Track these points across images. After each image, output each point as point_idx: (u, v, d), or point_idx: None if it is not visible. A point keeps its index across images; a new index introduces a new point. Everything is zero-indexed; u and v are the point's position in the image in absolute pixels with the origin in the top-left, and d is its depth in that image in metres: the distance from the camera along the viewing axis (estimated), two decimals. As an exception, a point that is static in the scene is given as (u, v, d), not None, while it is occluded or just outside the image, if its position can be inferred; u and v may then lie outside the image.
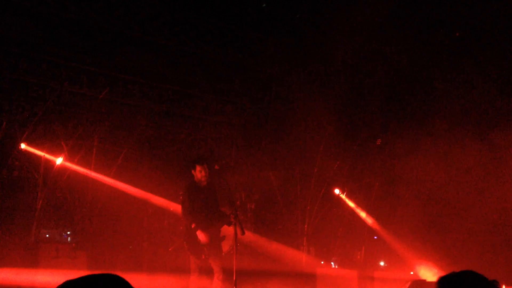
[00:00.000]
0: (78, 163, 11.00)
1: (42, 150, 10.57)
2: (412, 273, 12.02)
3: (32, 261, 9.87)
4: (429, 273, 11.40)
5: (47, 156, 10.58)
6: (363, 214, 12.96)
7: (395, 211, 13.27)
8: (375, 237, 13.36)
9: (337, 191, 12.87)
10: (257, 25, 12.08)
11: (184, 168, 12.28)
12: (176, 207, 11.16)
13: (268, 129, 13.14)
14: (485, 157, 11.74)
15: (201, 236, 7.54)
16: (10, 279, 8.88)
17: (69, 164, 10.86)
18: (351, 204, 12.95)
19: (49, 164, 10.67)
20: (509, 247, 11.68)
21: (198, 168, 7.96)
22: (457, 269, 2.37)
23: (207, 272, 7.85)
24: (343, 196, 12.90)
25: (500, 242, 11.81)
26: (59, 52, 10.61)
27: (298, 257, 12.66)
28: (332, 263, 13.21)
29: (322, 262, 13.11)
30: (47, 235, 11.28)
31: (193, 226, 7.63)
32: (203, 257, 7.66)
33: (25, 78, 10.50)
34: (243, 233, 7.22)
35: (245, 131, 13.29)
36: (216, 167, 8.05)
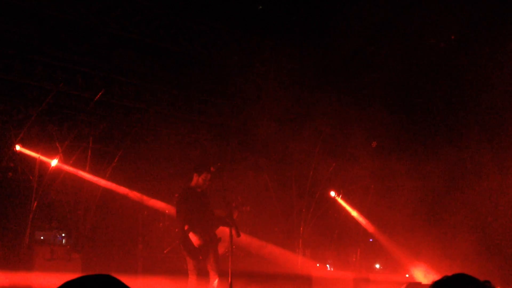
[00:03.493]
0: (73, 165, 10.97)
1: (37, 151, 10.55)
2: (407, 275, 12.04)
3: (26, 263, 9.84)
4: (425, 276, 11.42)
5: (42, 157, 10.55)
6: (358, 217, 12.97)
7: (390, 214, 13.28)
8: (371, 240, 13.38)
9: (332, 193, 12.88)
10: (253, 27, 12.09)
11: (180, 170, 12.29)
12: (171, 209, 11.16)
13: (263, 131, 13.13)
14: (482, 159, 11.77)
15: (193, 238, 7.54)
16: (4, 282, 8.83)
17: (64, 166, 10.84)
18: (346, 206, 12.96)
19: (44, 166, 10.64)
20: (504, 248, 11.71)
21: (204, 175, 7.91)
22: (452, 271, 2.38)
23: (205, 273, 7.85)
24: (338, 199, 12.90)
25: (495, 244, 11.84)
26: (54, 53, 10.58)
27: (294, 259, 12.66)
28: (327, 265, 13.22)
29: (318, 265, 13.11)
30: (42, 237, 11.26)
31: (186, 228, 7.63)
32: (200, 257, 7.66)
33: (20, 80, 10.47)
34: (238, 235, 7.22)
35: (241, 133, 13.28)
36: (212, 169, 8.02)
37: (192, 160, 12.09)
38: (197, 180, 7.96)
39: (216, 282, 7.68)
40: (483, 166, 11.88)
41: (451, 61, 11.45)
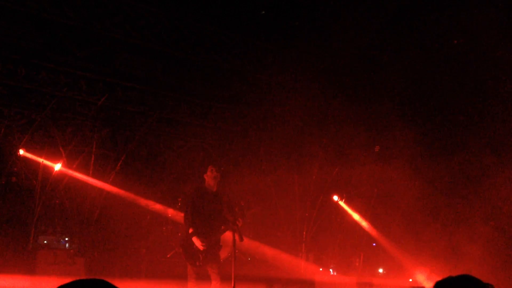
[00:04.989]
0: (76, 169, 10.99)
1: (40, 156, 10.58)
2: (411, 280, 12.01)
3: (29, 267, 9.84)
4: (428, 280, 11.38)
5: (46, 162, 10.58)
6: (361, 221, 12.94)
7: (393, 218, 13.26)
8: (374, 244, 13.35)
9: (335, 197, 12.86)
10: (255, 32, 12.12)
11: (183, 174, 12.30)
12: (174, 214, 11.17)
13: (267, 136, 13.14)
14: (486, 164, 11.75)
15: (197, 242, 7.49)
16: (7, 286, 8.84)
17: (67, 170, 10.86)
18: (349, 210, 12.94)
19: (48, 170, 10.67)
20: (508, 254, 11.67)
21: (210, 168, 7.89)
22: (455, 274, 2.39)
23: (205, 278, 7.81)
24: (341, 203, 12.88)
25: (499, 249, 11.80)
26: (58, 58, 10.63)
27: (297, 264, 12.64)
28: (330, 270, 13.19)
29: (321, 269, 13.08)
30: (45, 242, 11.25)
31: (190, 231, 7.57)
32: (197, 263, 7.60)
33: (24, 84, 10.51)
34: (241, 239, 7.19)
35: (244, 137, 13.29)
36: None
37: (196, 164, 12.10)
38: (207, 177, 7.93)
39: (217, 287, 7.64)
40: (487, 172, 11.85)
41: (455, 66, 11.46)
